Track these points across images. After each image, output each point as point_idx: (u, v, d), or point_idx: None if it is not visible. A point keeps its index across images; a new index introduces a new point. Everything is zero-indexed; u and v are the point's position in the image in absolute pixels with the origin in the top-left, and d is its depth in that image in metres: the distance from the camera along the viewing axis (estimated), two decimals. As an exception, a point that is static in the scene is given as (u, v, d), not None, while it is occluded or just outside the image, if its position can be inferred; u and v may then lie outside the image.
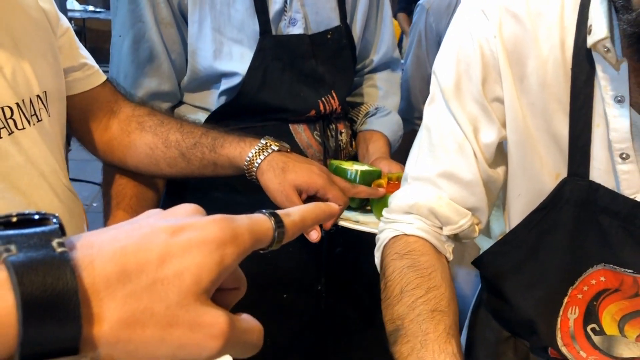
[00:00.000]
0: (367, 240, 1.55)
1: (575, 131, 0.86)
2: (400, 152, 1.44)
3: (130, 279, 0.37)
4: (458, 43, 0.92)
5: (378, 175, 1.23)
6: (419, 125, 1.85)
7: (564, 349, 0.99)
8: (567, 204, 0.89)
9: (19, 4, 0.91)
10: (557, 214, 0.90)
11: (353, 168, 1.21)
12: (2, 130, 0.85)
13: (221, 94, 1.24)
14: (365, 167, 1.24)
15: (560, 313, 0.97)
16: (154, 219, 0.42)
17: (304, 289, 1.37)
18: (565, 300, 0.97)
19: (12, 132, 0.87)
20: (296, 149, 1.28)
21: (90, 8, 7.11)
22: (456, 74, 0.91)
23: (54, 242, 0.36)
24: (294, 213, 0.49)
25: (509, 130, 0.90)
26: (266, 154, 1.08)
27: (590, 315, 0.97)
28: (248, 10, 1.20)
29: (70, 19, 4.54)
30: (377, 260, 1.00)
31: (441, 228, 0.93)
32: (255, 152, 1.08)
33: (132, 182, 1.18)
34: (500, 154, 0.94)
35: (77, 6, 7.06)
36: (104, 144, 1.13)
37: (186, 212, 0.44)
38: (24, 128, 0.89)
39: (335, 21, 1.33)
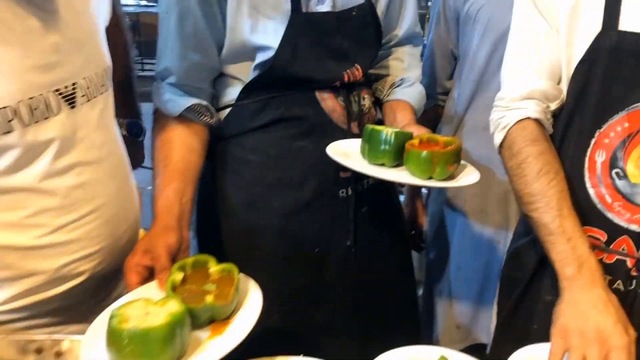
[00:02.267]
0: (393, 200, 1.68)
1: None
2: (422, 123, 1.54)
3: None
4: None
5: (410, 136, 1.35)
6: (442, 101, 1.97)
7: (591, 191, 1.20)
8: (600, 54, 1.12)
9: None
10: (591, 66, 1.14)
11: (388, 130, 1.34)
12: (82, 97, 1.06)
13: (255, 66, 1.38)
14: (398, 129, 1.37)
15: (588, 154, 1.19)
16: None
17: (334, 244, 1.50)
18: (593, 142, 1.18)
19: (90, 100, 1.09)
20: (321, 114, 1.42)
21: (144, 2, 7.37)
22: None
23: None
24: None
25: None
26: None
27: (616, 160, 1.18)
28: None
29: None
30: (497, 140, 1.27)
31: (548, 106, 1.21)
32: None
33: (177, 148, 1.33)
34: None
35: (131, 1, 7.33)
36: None
37: None
38: (96, 97, 1.11)
39: None
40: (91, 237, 1.14)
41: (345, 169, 1.42)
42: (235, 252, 1.44)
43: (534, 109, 1.20)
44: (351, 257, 1.51)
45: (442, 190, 1.99)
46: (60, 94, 1.05)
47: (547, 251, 1.13)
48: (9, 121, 0.97)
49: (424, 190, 2.21)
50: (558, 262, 1.10)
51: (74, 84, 1.08)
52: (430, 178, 1.29)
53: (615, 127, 1.17)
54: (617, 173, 1.18)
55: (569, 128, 1.21)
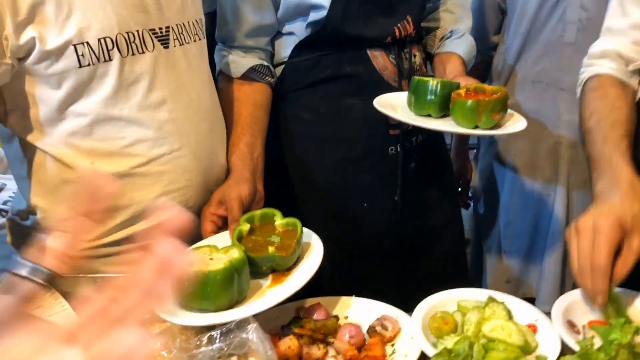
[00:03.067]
0: (442, 156, 1.70)
1: None
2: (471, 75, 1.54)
3: None
4: None
5: (457, 86, 1.35)
6: (490, 56, 1.94)
7: None
8: None
9: None
10: None
11: (434, 80, 1.35)
12: (175, 40, 1.17)
13: (308, 25, 1.41)
14: (445, 80, 1.37)
15: None
16: None
17: (382, 199, 1.53)
18: None
19: (182, 44, 1.19)
20: (373, 72, 1.44)
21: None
22: None
23: None
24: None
25: None
26: None
27: None
28: None
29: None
30: (577, 95, 1.33)
31: (627, 66, 1.24)
32: None
33: (245, 105, 1.40)
34: None
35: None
36: None
37: None
38: (189, 43, 1.20)
39: None
40: (183, 171, 1.20)
41: (394, 126, 1.45)
42: (285, 206, 1.48)
43: (608, 66, 1.25)
44: (398, 213, 1.54)
45: (491, 145, 1.98)
46: (154, 33, 1.14)
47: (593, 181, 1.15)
48: (110, 50, 1.07)
49: (472, 144, 2.21)
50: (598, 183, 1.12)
51: (167, 27, 1.16)
52: (476, 127, 1.30)
53: None
54: None
55: None
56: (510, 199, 1.94)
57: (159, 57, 1.15)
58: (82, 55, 1.05)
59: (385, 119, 1.40)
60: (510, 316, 1.09)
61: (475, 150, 2.16)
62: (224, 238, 1.16)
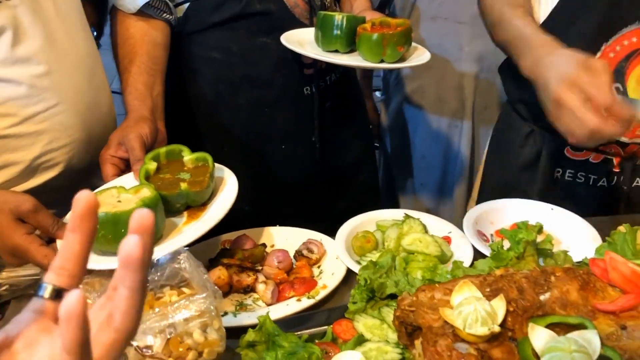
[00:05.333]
0: (356, 95, 1.74)
1: None
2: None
3: None
4: None
5: (362, 20, 1.38)
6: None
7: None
8: None
9: None
10: None
11: (339, 15, 1.36)
12: None
13: None
14: (350, 14, 1.39)
15: None
16: None
17: (300, 140, 1.55)
18: (598, 56, 1.18)
19: None
20: (284, 9, 1.42)
21: None
22: None
23: None
24: None
25: None
26: None
27: (618, 74, 1.18)
28: None
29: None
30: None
31: None
32: None
33: (141, 43, 1.32)
34: None
35: None
36: None
37: None
38: None
39: None
40: (63, 127, 1.14)
41: (308, 65, 1.46)
42: (204, 149, 1.48)
43: None
44: (316, 152, 1.57)
45: (399, 84, 2.05)
46: None
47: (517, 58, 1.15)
48: None
49: (377, 86, 2.26)
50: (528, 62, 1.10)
51: None
52: (382, 61, 1.34)
53: (623, 41, 1.17)
54: (617, 88, 1.19)
55: (571, 38, 1.16)
56: (422, 134, 2.03)
57: (19, 5, 1.05)
58: None
59: (299, 58, 1.41)
60: (426, 230, 1.17)
61: (384, 94, 2.23)
62: (128, 180, 1.11)
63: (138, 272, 0.41)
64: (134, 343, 0.79)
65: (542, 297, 0.79)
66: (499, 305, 0.74)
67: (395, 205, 2.16)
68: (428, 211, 2.06)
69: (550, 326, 0.73)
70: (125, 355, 0.82)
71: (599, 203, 1.35)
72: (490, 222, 1.23)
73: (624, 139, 1.25)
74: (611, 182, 1.33)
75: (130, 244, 0.41)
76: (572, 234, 1.18)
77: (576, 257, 1.03)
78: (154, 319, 0.80)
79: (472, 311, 0.72)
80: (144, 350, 0.79)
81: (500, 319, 0.73)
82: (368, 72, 2.18)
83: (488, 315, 0.72)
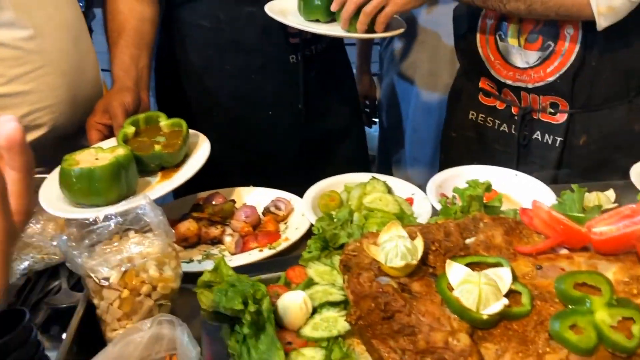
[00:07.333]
0: (342, 64, 1.79)
1: None
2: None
3: None
4: None
5: None
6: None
7: (481, 51, 1.47)
8: None
9: None
10: None
11: None
12: None
13: None
14: None
15: (480, 18, 1.45)
16: None
17: (286, 107, 1.62)
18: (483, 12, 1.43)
19: None
20: None
21: None
22: None
23: None
24: None
25: None
26: None
27: (501, 23, 1.41)
28: None
29: None
30: None
31: None
32: None
33: (129, 17, 1.39)
34: None
35: None
36: None
37: None
38: None
39: None
40: (49, 88, 1.21)
41: (294, 34, 1.52)
42: (192, 114, 1.54)
43: None
44: (302, 119, 1.63)
45: (393, 60, 2.10)
46: None
47: None
48: None
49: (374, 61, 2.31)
50: None
51: None
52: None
53: None
54: (499, 35, 1.42)
55: None
56: (415, 108, 2.08)
57: None
58: None
59: (284, 27, 1.47)
60: (389, 191, 1.22)
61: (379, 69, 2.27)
62: (110, 143, 1.19)
63: (23, 154, 0.46)
64: (92, 274, 0.87)
65: (467, 241, 0.84)
66: (419, 243, 0.80)
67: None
68: (420, 187, 2.13)
69: (471, 265, 0.79)
70: (85, 285, 0.90)
71: (502, 150, 1.53)
72: (455, 186, 1.28)
73: (510, 82, 1.45)
74: (511, 129, 1.50)
75: (9, 127, 0.45)
76: (532, 198, 1.22)
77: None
78: (111, 253, 0.87)
79: (394, 247, 0.77)
80: (102, 281, 0.87)
81: (419, 255, 0.79)
82: (366, 47, 2.23)
83: (407, 251, 0.77)
